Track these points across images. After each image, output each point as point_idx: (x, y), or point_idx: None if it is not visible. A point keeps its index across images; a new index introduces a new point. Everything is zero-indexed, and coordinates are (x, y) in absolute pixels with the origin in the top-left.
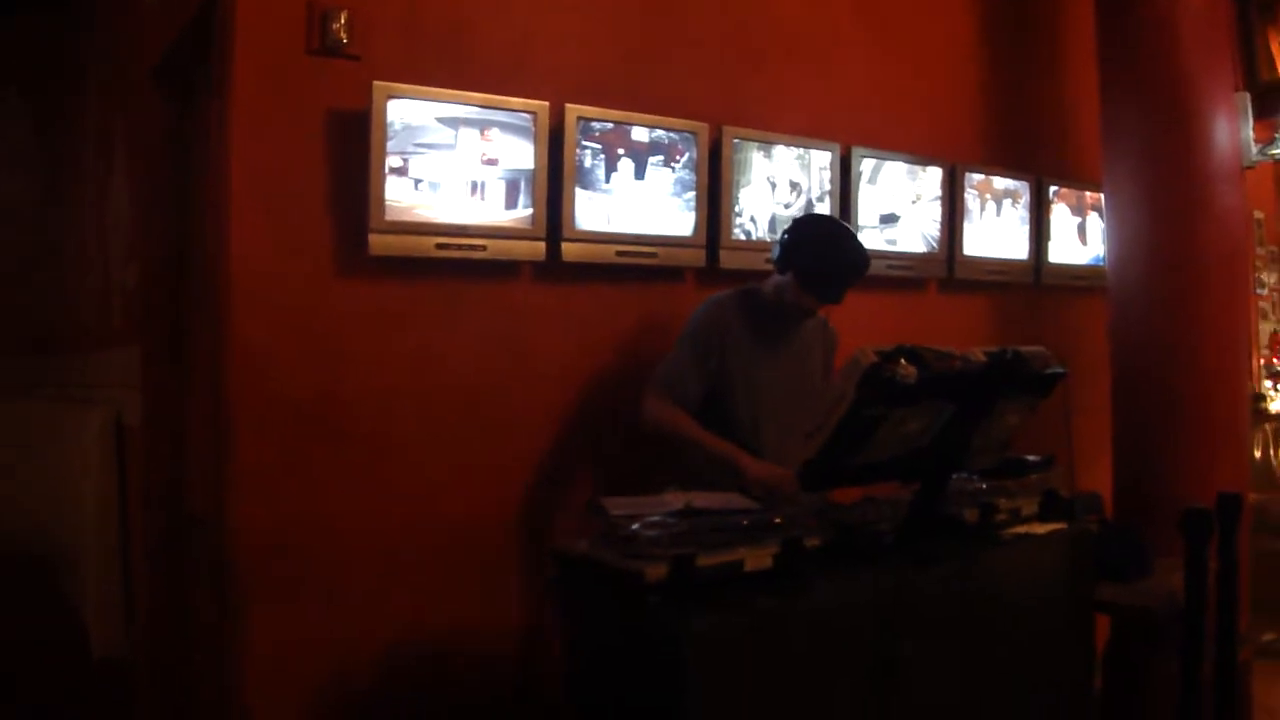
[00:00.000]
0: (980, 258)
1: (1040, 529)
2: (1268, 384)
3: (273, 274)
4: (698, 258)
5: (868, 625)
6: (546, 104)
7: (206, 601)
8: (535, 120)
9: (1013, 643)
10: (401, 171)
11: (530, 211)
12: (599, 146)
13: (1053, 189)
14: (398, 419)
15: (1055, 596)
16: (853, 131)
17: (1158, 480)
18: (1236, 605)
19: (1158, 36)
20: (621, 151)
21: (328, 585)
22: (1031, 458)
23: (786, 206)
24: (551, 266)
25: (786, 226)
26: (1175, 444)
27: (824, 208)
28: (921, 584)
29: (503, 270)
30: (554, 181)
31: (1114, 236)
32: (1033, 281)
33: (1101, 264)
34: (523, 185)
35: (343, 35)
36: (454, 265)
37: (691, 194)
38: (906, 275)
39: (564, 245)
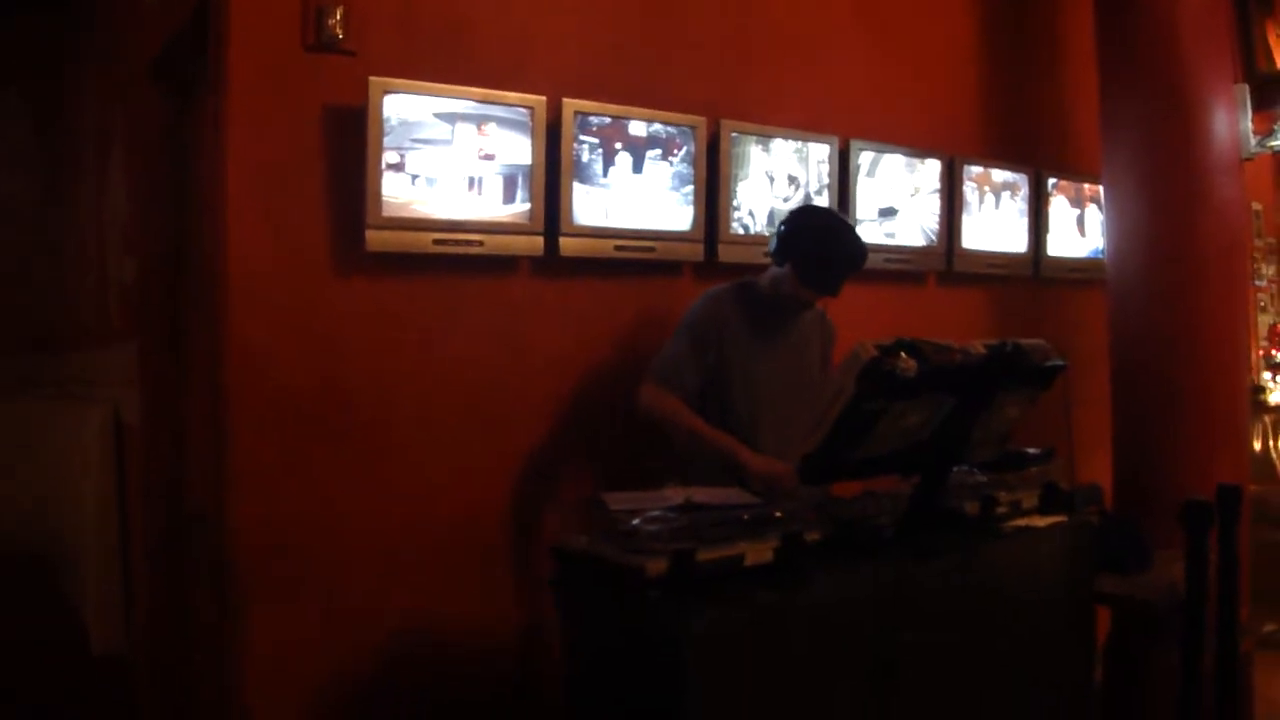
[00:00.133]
0: (979, 250)
1: (1040, 522)
2: (1267, 376)
3: (270, 270)
4: (696, 252)
5: (868, 619)
6: (544, 98)
7: (206, 601)
8: (532, 115)
9: (1013, 635)
10: (398, 167)
11: (528, 206)
12: (596, 141)
13: (1051, 181)
14: (396, 414)
15: (1055, 589)
16: (851, 125)
17: (1157, 472)
18: (1237, 597)
19: (1157, 28)
20: (619, 146)
21: (328, 585)
22: (1031, 450)
23: (785, 200)
24: (549, 261)
25: (783, 218)
26: (1175, 436)
27: (822, 201)
28: (922, 577)
29: (500, 265)
30: (551, 176)
31: (1113, 229)
32: (1032, 274)
33: (1101, 256)
34: (520, 180)
35: (339, 31)
36: (451, 261)
37: (689, 188)
38: (905, 268)
39: (562, 240)
